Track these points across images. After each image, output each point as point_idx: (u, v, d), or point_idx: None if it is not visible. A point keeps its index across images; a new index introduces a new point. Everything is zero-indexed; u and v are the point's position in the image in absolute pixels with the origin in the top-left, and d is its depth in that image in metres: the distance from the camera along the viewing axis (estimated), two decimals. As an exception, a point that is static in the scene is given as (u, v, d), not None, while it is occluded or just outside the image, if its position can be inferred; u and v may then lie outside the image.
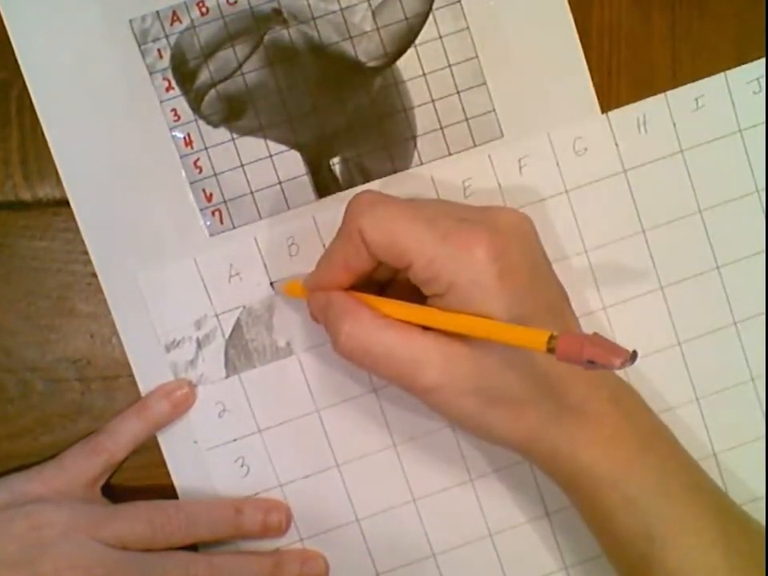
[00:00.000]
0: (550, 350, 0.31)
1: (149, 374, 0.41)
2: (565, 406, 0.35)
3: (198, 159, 0.41)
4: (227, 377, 0.41)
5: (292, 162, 0.41)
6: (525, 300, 0.34)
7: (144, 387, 0.41)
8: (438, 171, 0.42)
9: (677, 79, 0.42)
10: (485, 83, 0.42)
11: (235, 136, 0.41)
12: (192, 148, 0.41)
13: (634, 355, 0.29)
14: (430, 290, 0.35)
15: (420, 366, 0.35)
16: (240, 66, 0.41)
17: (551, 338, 0.31)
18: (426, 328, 0.35)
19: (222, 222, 0.41)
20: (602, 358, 0.29)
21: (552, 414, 0.35)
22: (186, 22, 0.40)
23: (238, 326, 0.41)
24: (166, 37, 0.40)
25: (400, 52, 0.41)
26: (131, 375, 0.41)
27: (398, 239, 0.34)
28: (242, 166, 0.41)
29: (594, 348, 0.29)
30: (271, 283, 0.41)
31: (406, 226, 0.35)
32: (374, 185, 0.41)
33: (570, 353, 0.30)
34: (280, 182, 0.41)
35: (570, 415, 0.35)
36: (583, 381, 0.35)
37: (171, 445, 0.41)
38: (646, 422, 0.37)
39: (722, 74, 0.42)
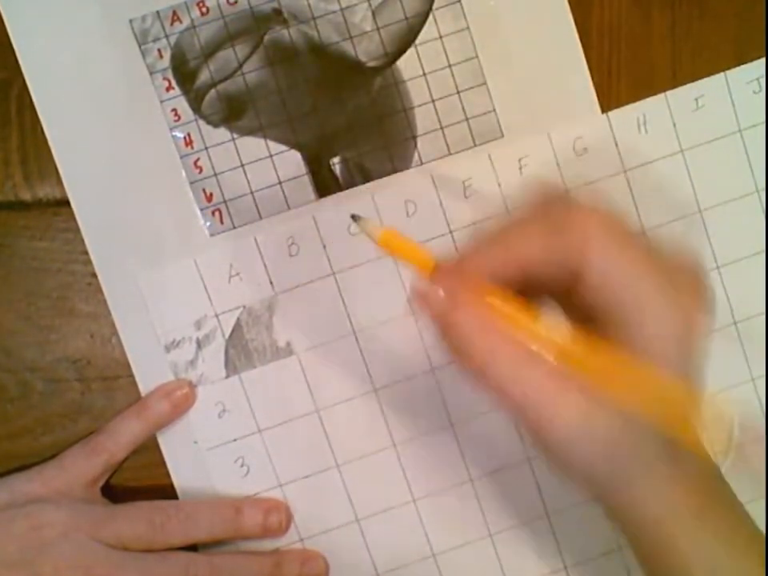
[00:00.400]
0: None
1: (149, 374, 0.41)
2: (672, 472, 0.32)
3: (198, 159, 0.41)
4: (227, 377, 0.41)
5: (292, 162, 0.41)
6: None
7: (144, 387, 0.41)
8: (438, 171, 0.42)
9: (677, 79, 0.42)
10: (485, 83, 0.42)
11: (235, 136, 0.41)
12: (192, 148, 0.41)
13: None
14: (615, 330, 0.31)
15: (559, 411, 0.31)
16: (240, 66, 0.41)
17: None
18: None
19: (222, 222, 0.41)
20: None
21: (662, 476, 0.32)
22: (186, 21, 0.40)
23: (238, 326, 0.41)
24: (166, 37, 0.40)
25: (400, 52, 0.41)
26: (131, 375, 0.41)
27: (633, 289, 0.30)
28: (242, 165, 0.41)
29: None
30: (352, 216, 0.35)
31: (642, 275, 0.31)
32: (374, 185, 0.41)
33: None
34: (280, 182, 0.41)
35: (672, 481, 0.32)
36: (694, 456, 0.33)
37: (171, 445, 0.41)
38: (736, 507, 0.34)
39: (722, 74, 0.42)
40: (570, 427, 0.31)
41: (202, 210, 0.41)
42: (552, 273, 0.31)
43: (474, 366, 0.31)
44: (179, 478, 0.42)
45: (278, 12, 0.41)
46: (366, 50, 0.41)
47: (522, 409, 0.31)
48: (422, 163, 0.42)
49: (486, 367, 0.31)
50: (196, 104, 0.41)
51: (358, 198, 0.41)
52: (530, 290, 0.32)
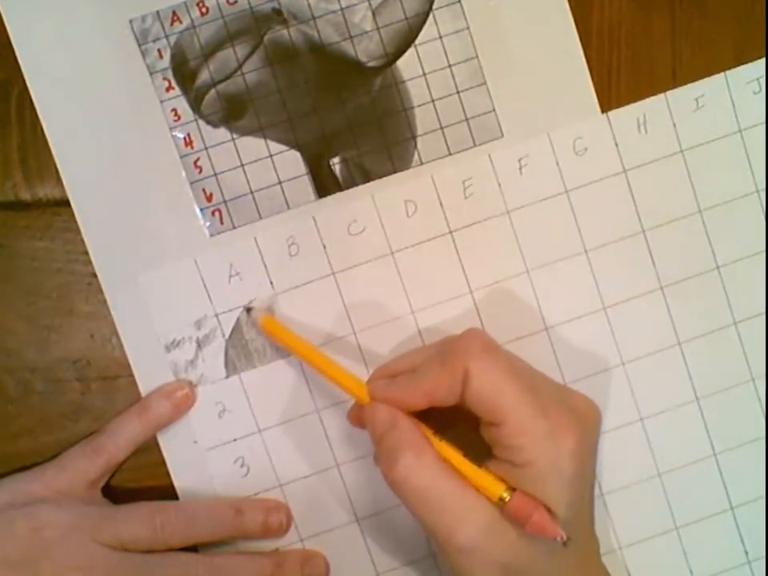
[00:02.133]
0: (501, 502, 0.34)
1: (149, 374, 0.41)
2: None
3: (198, 159, 0.41)
4: (227, 377, 0.41)
5: (292, 162, 0.41)
6: (584, 496, 0.36)
7: (144, 387, 0.41)
8: (438, 171, 0.42)
9: (677, 79, 0.42)
10: (485, 83, 0.42)
11: (235, 136, 0.41)
12: (192, 148, 0.41)
13: (565, 543, 0.33)
14: (505, 455, 0.35)
15: (464, 523, 0.34)
16: (240, 66, 0.41)
17: (506, 493, 0.34)
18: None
19: (222, 222, 0.41)
20: (542, 529, 0.33)
21: None
22: (186, 21, 0.40)
23: (237, 326, 0.41)
24: (166, 37, 0.40)
25: (400, 52, 0.41)
26: (131, 375, 0.41)
27: (501, 398, 0.35)
28: (242, 165, 0.41)
29: (542, 517, 0.33)
30: (247, 309, 0.41)
31: (512, 387, 0.35)
32: (374, 185, 0.41)
33: (520, 513, 0.33)
34: (280, 182, 0.41)
35: None
36: None
37: (171, 445, 0.41)
38: None
39: (722, 74, 0.42)
40: (471, 536, 0.34)
41: (201, 210, 0.41)
42: (449, 395, 0.36)
43: (398, 472, 0.35)
44: (179, 478, 0.42)
45: (278, 12, 0.41)
46: (365, 50, 0.41)
47: (433, 513, 0.34)
48: (422, 163, 0.42)
49: (409, 473, 0.35)
50: (196, 104, 0.41)
51: (357, 198, 0.41)
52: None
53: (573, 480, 0.34)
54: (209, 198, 0.41)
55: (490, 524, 0.34)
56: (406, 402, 0.36)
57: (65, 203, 0.41)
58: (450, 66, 0.41)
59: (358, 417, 0.39)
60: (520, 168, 0.42)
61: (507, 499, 0.34)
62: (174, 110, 0.41)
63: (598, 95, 0.42)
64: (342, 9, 0.41)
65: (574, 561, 0.35)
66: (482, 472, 0.35)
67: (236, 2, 0.41)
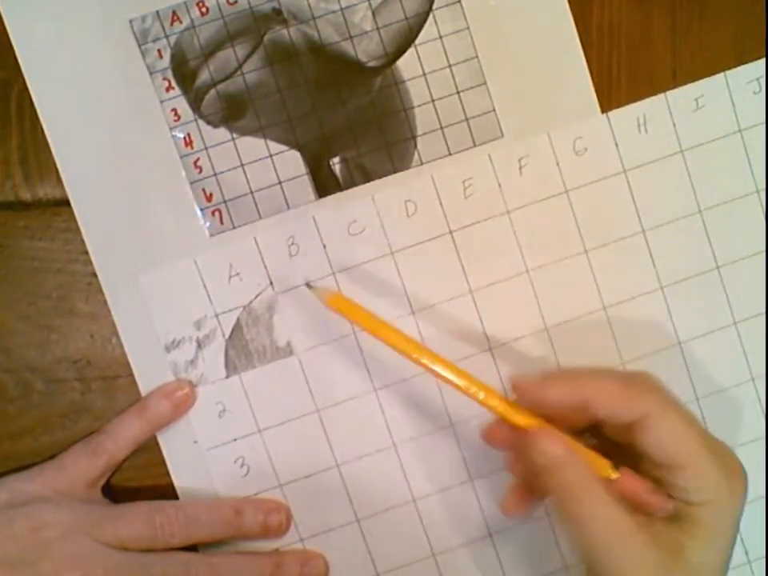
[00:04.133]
0: (611, 476, 0.35)
1: (149, 374, 0.41)
2: None
3: (198, 159, 0.41)
4: (227, 377, 0.41)
5: (292, 162, 0.41)
6: (735, 539, 0.37)
7: (144, 387, 0.41)
8: (438, 171, 0.42)
9: (677, 79, 0.42)
10: (485, 83, 0.42)
11: (235, 136, 0.41)
12: (192, 148, 0.41)
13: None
14: (680, 494, 0.35)
15: (636, 569, 0.34)
16: (240, 66, 0.41)
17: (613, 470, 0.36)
18: None
19: (222, 222, 0.41)
20: (653, 503, 0.35)
21: None
22: (186, 21, 0.40)
23: (237, 326, 0.41)
24: (166, 37, 0.40)
25: (400, 52, 0.41)
26: (131, 375, 0.41)
27: (683, 445, 0.35)
28: (242, 165, 0.41)
29: (650, 494, 0.35)
30: (307, 284, 0.41)
31: (692, 433, 0.36)
32: (374, 185, 0.41)
33: (632, 488, 0.35)
34: (280, 182, 0.41)
35: None
36: None
37: (171, 445, 0.41)
38: None
39: (722, 74, 0.42)
40: None
41: (201, 210, 0.41)
42: (611, 416, 0.36)
43: (577, 511, 0.35)
44: (179, 478, 0.42)
45: (277, 12, 0.41)
46: (365, 50, 0.41)
47: (599, 546, 0.34)
48: (422, 163, 0.42)
49: (586, 513, 0.35)
50: (196, 104, 0.41)
51: (358, 198, 0.41)
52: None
53: (738, 519, 0.36)
54: (209, 198, 0.41)
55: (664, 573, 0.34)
56: (571, 394, 0.36)
57: (65, 203, 0.41)
58: (450, 65, 0.41)
59: (499, 435, 0.38)
60: (520, 168, 0.42)
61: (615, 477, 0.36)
62: (174, 109, 0.41)
63: (598, 95, 0.42)
64: (341, 9, 0.41)
65: None
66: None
67: (236, 1, 0.41)
